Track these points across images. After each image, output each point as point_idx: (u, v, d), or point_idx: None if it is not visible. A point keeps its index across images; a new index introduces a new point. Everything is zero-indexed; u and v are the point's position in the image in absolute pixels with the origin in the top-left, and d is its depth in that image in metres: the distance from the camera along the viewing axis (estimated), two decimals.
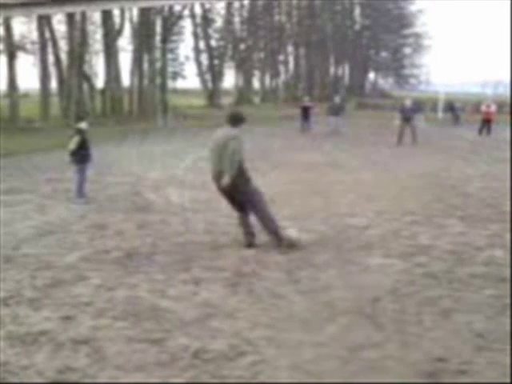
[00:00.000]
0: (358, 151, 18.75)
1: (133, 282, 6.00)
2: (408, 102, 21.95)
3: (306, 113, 26.43)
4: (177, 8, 40.67)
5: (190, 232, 8.15)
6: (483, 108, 26.82)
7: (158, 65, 39.15)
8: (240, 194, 7.15)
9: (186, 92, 58.07)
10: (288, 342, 4.62)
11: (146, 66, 38.66)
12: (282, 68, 63.64)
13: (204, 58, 53.24)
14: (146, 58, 38.30)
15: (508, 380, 4.08)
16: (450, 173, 14.05)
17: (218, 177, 7.09)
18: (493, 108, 26.74)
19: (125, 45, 42.32)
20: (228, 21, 53.84)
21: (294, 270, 6.42)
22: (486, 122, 25.53)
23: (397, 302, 5.49)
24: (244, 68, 56.10)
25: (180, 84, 65.18)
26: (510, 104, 39.17)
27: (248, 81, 57.85)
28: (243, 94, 55.15)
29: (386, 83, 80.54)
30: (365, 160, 16.41)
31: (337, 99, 26.66)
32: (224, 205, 9.79)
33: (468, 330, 4.88)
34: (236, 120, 7.21)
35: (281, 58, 62.67)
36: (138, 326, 4.89)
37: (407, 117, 20.76)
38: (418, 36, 74.38)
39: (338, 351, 4.46)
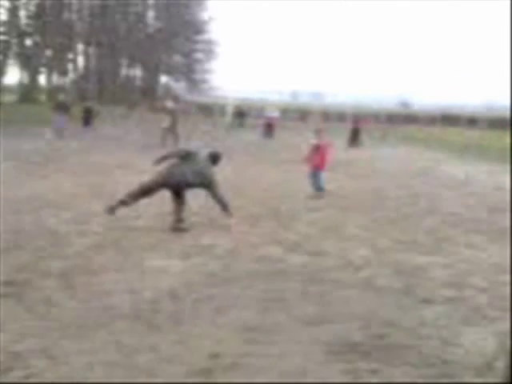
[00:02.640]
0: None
1: None
2: (170, 104, 21.94)
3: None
4: None
5: None
6: (266, 114, 28.52)
7: None
8: None
9: None
10: (60, 352, 4.40)
11: None
12: (71, 67, 61.06)
13: None
14: None
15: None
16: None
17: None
18: (275, 114, 28.63)
19: None
20: (13, 14, 50.19)
21: (72, 276, 6.16)
22: (268, 127, 27.00)
23: (175, 303, 5.54)
24: (30, 64, 52.78)
25: None
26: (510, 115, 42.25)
27: (33, 78, 54.52)
28: (28, 91, 51.85)
29: (179, 87, 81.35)
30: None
31: (61, 97, 26.52)
32: None
33: (240, 324, 5.08)
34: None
35: (70, 56, 60.10)
36: None
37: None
38: (208, 42, 76.32)
39: (112, 357, 4.35)
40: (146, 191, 8.38)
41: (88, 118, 27.77)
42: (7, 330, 4.72)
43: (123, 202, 8.37)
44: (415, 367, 4.42)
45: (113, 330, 4.86)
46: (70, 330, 4.81)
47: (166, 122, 20.51)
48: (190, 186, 8.43)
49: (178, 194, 8.44)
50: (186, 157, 8.37)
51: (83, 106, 29.96)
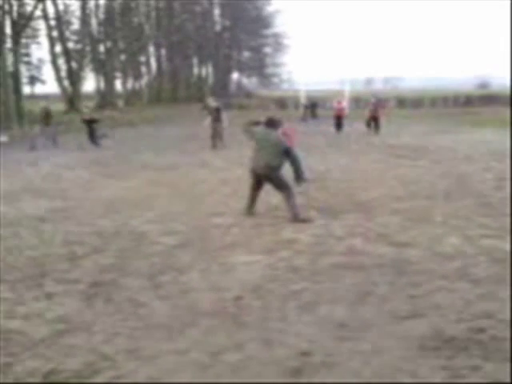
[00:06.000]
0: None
1: None
2: (211, 102, 20.37)
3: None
4: (28, 8, 38.42)
5: (44, 244, 7.59)
6: (334, 104, 27.55)
7: (10, 69, 36.77)
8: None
9: (45, 97, 55.16)
10: (147, 353, 4.37)
11: None
12: (144, 69, 62.53)
13: (62, 61, 50.85)
14: None
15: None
16: None
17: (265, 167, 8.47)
18: (344, 104, 27.72)
19: None
20: (84, 22, 51.80)
21: (156, 275, 6.17)
22: (338, 118, 25.95)
23: (260, 299, 5.42)
24: (104, 70, 54.38)
25: (40, 89, 62.10)
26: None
27: (110, 83, 56.15)
28: (105, 97, 53.43)
29: (250, 83, 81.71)
30: None
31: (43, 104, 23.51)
32: (83, 212, 9.41)
33: (329, 320, 4.91)
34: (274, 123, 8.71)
35: (142, 59, 61.53)
36: None
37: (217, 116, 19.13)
38: (277, 36, 76.15)
39: (199, 357, 4.28)
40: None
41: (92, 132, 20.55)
42: (97, 331, 4.75)
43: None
44: None
45: (199, 328, 4.80)
46: (157, 330, 4.78)
47: (225, 121, 19.28)
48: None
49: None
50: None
51: (82, 116, 22.53)
